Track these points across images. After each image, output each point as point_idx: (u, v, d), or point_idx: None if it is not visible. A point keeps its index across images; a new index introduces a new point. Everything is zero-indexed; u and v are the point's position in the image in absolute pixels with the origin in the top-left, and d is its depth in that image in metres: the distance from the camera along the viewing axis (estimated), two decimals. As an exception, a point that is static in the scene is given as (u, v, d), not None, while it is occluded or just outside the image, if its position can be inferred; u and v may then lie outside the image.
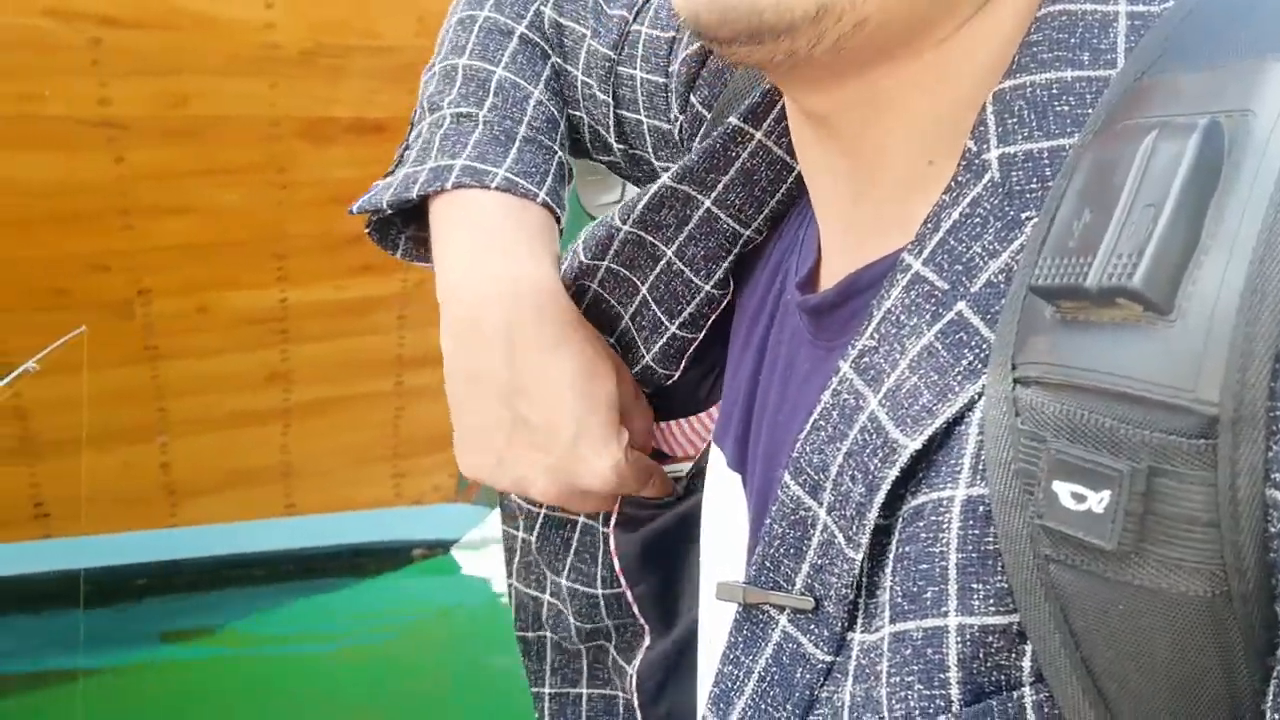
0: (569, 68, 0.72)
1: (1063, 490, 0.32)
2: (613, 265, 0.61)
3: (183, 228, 3.41)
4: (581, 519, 0.66)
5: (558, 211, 0.65)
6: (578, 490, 0.60)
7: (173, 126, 3.21)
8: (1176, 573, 0.30)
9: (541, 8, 0.72)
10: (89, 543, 3.93)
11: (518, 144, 0.66)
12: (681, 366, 0.63)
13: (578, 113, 0.73)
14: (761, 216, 0.58)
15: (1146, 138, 0.32)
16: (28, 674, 3.53)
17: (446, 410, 0.61)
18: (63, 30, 2.91)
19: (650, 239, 0.59)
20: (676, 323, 0.61)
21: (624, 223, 0.59)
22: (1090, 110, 0.38)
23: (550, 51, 0.71)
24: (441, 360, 0.63)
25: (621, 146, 0.71)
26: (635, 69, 0.68)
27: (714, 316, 0.61)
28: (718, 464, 0.57)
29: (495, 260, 0.62)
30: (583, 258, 0.62)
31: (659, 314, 0.61)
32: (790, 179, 0.57)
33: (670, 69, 0.66)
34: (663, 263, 0.60)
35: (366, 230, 0.68)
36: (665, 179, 0.58)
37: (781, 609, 0.42)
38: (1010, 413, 0.34)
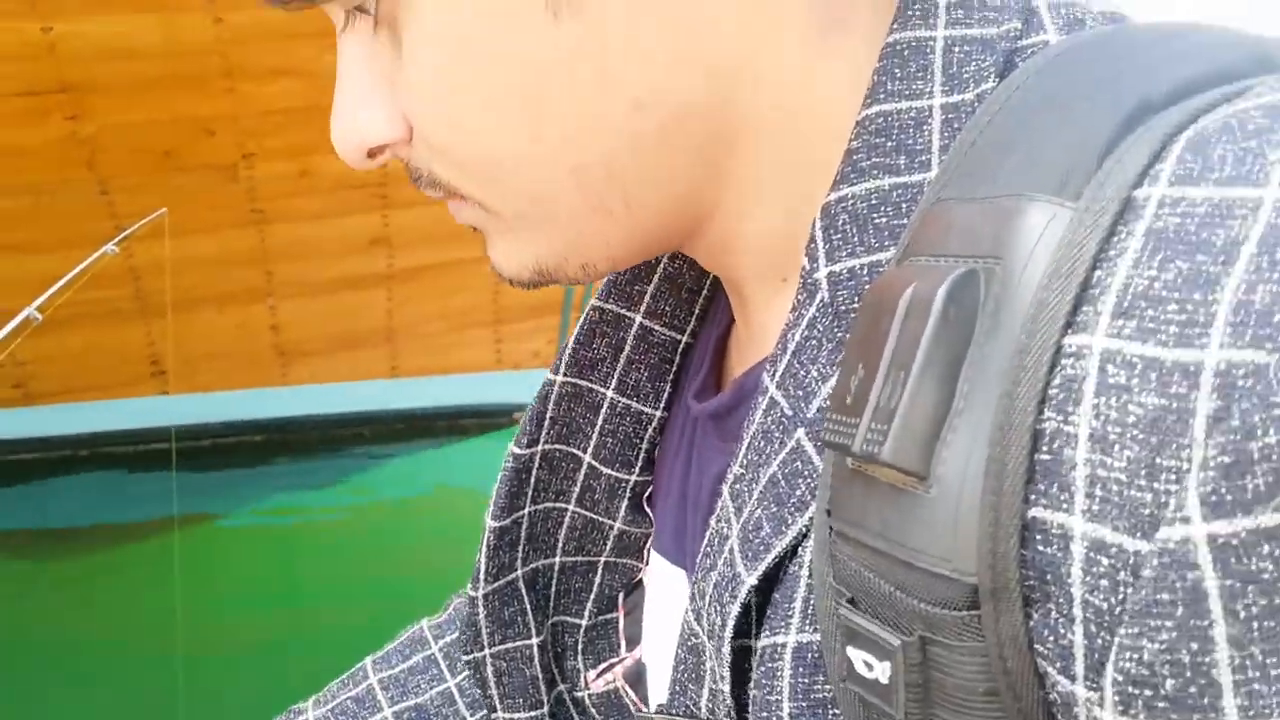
0: None
1: (856, 658, 0.32)
2: (547, 446, 0.55)
3: (284, 90, 3.40)
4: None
5: None
6: None
7: (270, -14, 3.16)
8: None
9: None
10: (204, 400, 4.10)
11: None
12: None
13: None
14: (694, 317, 0.55)
15: (909, 288, 0.30)
16: (137, 525, 3.74)
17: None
18: (157, -114, 2.86)
19: (587, 383, 0.55)
20: (638, 468, 0.55)
21: (555, 374, 0.55)
22: (906, 221, 0.36)
23: None
24: None
25: None
26: None
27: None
28: (659, 568, 0.54)
29: None
30: (515, 450, 0.54)
31: (614, 474, 0.55)
32: (711, 275, 0.54)
33: None
34: (604, 410, 0.55)
35: None
36: (593, 300, 0.55)
37: None
38: (828, 562, 0.34)
